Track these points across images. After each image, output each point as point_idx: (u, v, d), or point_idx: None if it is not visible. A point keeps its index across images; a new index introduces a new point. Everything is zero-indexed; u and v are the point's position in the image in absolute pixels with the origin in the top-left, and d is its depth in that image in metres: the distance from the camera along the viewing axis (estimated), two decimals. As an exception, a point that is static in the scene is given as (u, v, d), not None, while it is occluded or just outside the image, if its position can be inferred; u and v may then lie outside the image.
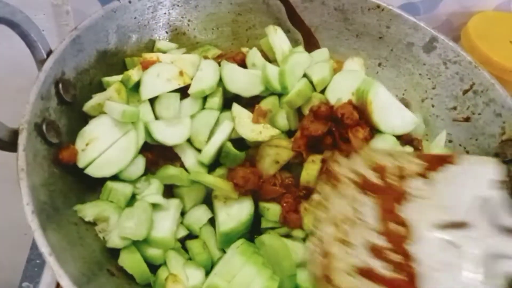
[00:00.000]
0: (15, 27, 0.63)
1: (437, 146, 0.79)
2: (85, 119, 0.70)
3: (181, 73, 0.72)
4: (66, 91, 0.67)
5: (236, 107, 0.73)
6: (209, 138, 0.70)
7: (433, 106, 0.87)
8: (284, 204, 0.69)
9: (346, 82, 0.77)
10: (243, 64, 0.80)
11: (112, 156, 0.64)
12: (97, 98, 0.71)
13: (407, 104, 0.84)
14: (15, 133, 0.58)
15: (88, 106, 0.70)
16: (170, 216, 0.64)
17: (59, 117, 0.65)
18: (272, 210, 0.68)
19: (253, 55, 0.80)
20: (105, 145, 0.64)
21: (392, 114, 0.73)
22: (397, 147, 0.71)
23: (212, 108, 0.72)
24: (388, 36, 0.90)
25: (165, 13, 0.85)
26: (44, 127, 0.61)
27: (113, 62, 0.78)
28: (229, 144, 0.68)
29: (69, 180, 0.64)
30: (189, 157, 0.69)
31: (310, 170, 0.70)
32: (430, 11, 1.16)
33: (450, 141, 0.84)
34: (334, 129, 0.71)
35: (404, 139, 0.75)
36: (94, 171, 0.63)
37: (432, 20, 1.16)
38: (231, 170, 0.68)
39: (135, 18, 0.81)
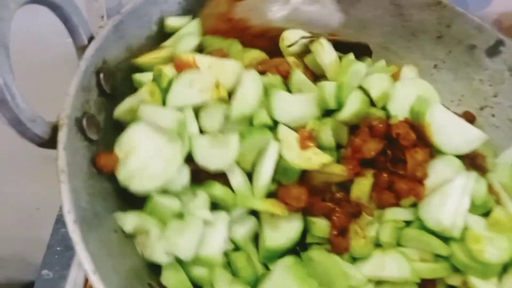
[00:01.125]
0: (56, 9, 0.57)
1: (505, 164, 0.72)
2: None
3: (217, 85, 0.63)
4: (106, 82, 0.61)
5: (283, 128, 0.65)
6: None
7: (493, 115, 0.81)
8: (335, 218, 0.63)
9: (409, 92, 0.70)
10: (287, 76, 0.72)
11: (155, 167, 0.56)
12: (128, 101, 0.63)
13: (470, 119, 0.77)
14: (53, 129, 0.52)
15: (119, 112, 0.63)
16: (218, 232, 0.58)
17: (99, 110, 0.59)
18: (319, 225, 0.63)
19: (298, 80, 0.71)
20: (146, 156, 0.57)
21: (454, 133, 0.67)
22: (462, 171, 0.65)
23: (262, 126, 0.64)
24: (448, 36, 0.83)
25: (209, -2, 0.79)
26: (84, 122, 0.55)
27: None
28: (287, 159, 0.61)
29: (109, 181, 0.58)
30: (235, 176, 0.61)
31: (362, 185, 0.65)
32: (480, 9, 1.08)
33: (511, 155, 0.77)
34: (388, 149, 0.65)
35: (468, 157, 0.68)
36: (135, 186, 0.56)
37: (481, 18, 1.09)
38: (282, 187, 0.61)
39: (179, 3, 0.74)
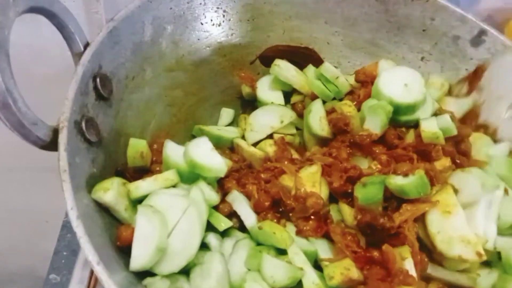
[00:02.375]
0: (52, 18, 0.59)
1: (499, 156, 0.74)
2: (122, 116, 0.67)
3: None
4: (103, 86, 0.63)
5: None
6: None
7: (480, 103, 0.83)
8: None
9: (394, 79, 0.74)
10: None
11: (175, 246, 0.54)
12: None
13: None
14: (54, 132, 0.55)
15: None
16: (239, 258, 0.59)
17: (97, 113, 0.62)
18: None
19: None
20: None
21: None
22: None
23: None
24: (432, 29, 0.85)
25: (200, 3, 0.81)
26: (83, 124, 0.58)
27: (149, 55, 0.74)
28: None
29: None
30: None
31: None
32: (471, 6, 1.11)
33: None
34: None
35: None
36: (161, 269, 0.54)
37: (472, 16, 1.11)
38: None
39: (171, 8, 0.77)
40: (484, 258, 0.60)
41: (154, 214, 0.53)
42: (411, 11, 0.86)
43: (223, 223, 0.60)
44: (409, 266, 0.58)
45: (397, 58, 0.90)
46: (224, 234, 0.61)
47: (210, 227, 0.60)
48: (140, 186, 0.57)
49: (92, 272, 0.73)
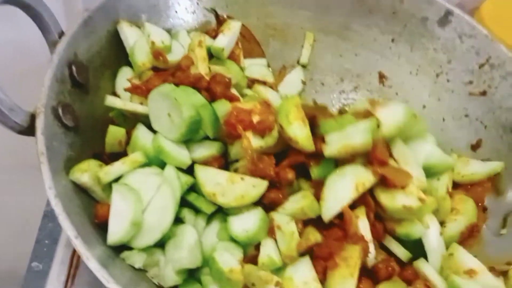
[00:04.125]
0: (26, 9, 0.61)
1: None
2: (99, 102, 0.69)
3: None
4: (79, 74, 0.65)
5: None
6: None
7: (448, 81, 0.86)
8: None
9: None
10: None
11: (150, 221, 0.57)
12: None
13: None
14: (32, 117, 0.57)
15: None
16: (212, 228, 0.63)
17: (74, 100, 0.64)
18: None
19: None
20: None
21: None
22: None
23: None
24: (402, 11, 0.88)
25: (174, -9, 0.83)
26: (60, 110, 0.60)
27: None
28: None
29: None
30: None
31: None
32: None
33: (466, 116, 0.83)
34: None
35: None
36: (137, 243, 0.57)
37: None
38: None
39: (145, -4, 0.79)
40: (427, 201, 0.63)
41: (129, 191, 0.56)
42: (381, -6, 0.89)
43: (209, 206, 0.62)
44: (363, 226, 0.62)
45: (369, 40, 0.93)
46: (198, 210, 0.63)
47: (185, 203, 0.62)
48: (109, 172, 0.59)
49: (72, 261, 0.75)
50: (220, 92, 0.67)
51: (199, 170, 0.62)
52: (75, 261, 0.74)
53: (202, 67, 0.72)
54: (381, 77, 0.94)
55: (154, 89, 0.63)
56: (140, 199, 0.56)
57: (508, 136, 0.76)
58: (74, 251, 0.76)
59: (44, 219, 0.84)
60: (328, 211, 0.62)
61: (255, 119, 0.65)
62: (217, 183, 0.61)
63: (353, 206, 0.63)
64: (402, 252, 0.67)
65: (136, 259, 0.56)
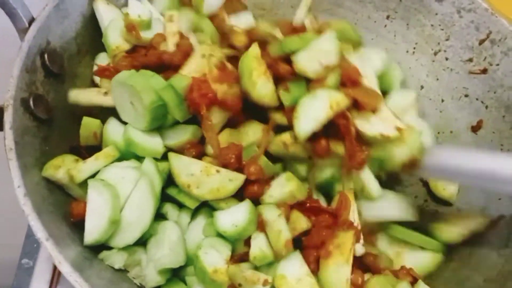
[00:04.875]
0: (-11, -6, 0.57)
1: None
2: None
3: None
4: (52, 62, 0.61)
5: None
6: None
7: (446, 59, 0.82)
8: None
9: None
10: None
11: (129, 219, 0.54)
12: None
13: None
14: (0, 111, 0.53)
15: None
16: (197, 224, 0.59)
17: (47, 90, 0.60)
18: None
19: None
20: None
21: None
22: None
23: None
24: (397, -14, 0.84)
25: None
26: (31, 102, 0.56)
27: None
28: None
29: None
30: None
31: None
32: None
33: (466, 96, 0.79)
34: None
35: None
36: (117, 242, 0.54)
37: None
38: None
39: (121, -20, 0.74)
40: (404, 130, 0.62)
41: (105, 187, 0.52)
42: (374, -31, 0.84)
43: (193, 201, 0.59)
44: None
45: (363, 18, 0.89)
46: (182, 205, 0.60)
47: (167, 198, 0.59)
48: (82, 169, 0.56)
49: None
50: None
51: (173, 158, 0.58)
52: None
53: (171, 43, 0.66)
54: (377, 57, 0.90)
55: (114, 77, 0.59)
56: (118, 195, 0.53)
57: (511, 116, 0.72)
58: None
59: None
60: (304, 128, 0.58)
61: (218, 89, 0.61)
62: (191, 174, 0.57)
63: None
64: (374, 185, 0.65)
65: (116, 259, 0.53)
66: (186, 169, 0.57)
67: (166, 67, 0.63)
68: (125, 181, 0.54)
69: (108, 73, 0.64)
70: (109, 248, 0.54)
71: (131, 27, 0.66)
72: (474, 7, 0.77)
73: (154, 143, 0.59)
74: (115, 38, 0.67)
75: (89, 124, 0.62)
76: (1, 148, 1.10)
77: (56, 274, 0.72)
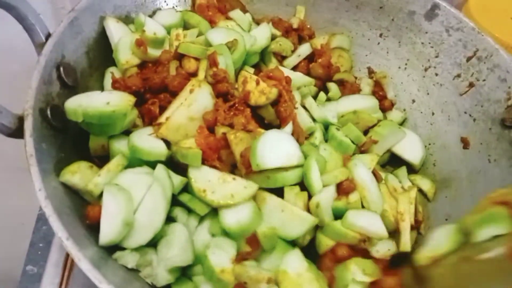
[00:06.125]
0: (11, 10, 0.61)
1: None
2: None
3: None
4: (67, 75, 0.65)
5: None
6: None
7: (436, 74, 0.87)
8: None
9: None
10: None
11: (141, 221, 0.57)
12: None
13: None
14: (20, 119, 0.57)
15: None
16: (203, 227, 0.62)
17: (62, 101, 0.63)
18: None
19: None
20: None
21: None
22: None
23: None
24: (389, 6, 0.89)
25: (160, -9, 0.83)
26: (48, 112, 0.60)
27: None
28: None
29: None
30: None
31: None
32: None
33: (455, 109, 0.83)
34: None
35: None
36: (129, 243, 0.57)
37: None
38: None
39: (132, -4, 0.79)
40: None
41: (119, 192, 0.55)
42: (368, -11, 0.89)
43: (203, 208, 0.61)
44: None
45: (358, 36, 0.94)
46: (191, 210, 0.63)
47: (177, 203, 0.62)
48: (98, 183, 0.59)
49: (66, 263, 0.75)
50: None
51: (192, 168, 0.62)
52: (69, 263, 0.74)
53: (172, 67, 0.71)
54: (370, 72, 0.95)
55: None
56: (131, 198, 0.56)
57: (497, 128, 0.77)
58: (68, 254, 0.76)
59: (38, 222, 0.84)
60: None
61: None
62: (208, 180, 0.61)
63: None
64: None
65: (129, 259, 0.56)
66: (204, 176, 0.61)
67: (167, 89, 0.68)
68: (138, 186, 0.57)
69: (118, 85, 0.68)
70: (123, 248, 0.57)
71: (140, 43, 0.71)
72: (461, 26, 0.82)
73: (158, 147, 0.63)
74: (125, 53, 0.72)
75: (96, 139, 0.65)
76: (5, 159, 1.13)
77: (64, 280, 0.74)
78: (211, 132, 0.65)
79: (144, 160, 0.62)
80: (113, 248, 0.56)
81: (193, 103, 0.65)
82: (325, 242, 0.64)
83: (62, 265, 0.73)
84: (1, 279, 1.47)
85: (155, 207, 0.57)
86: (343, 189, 0.67)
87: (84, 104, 0.60)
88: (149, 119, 0.66)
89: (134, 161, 0.63)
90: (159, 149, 0.62)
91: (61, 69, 0.64)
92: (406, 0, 0.87)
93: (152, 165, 0.62)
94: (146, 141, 0.62)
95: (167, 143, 0.64)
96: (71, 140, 0.63)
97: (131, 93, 0.65)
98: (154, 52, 0.73)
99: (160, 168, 0.60)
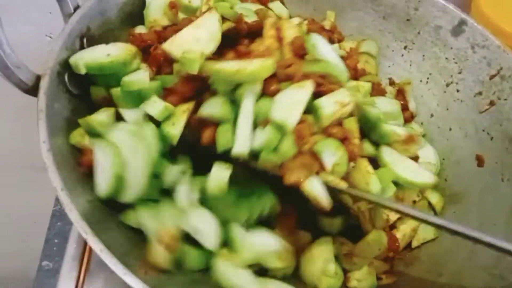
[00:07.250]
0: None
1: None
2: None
3: None
4: (90, 47, 0.68)
5: None
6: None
7: (458, 91, 0.85)
8: None
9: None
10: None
11: (129, 176, 0.59)
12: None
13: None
14: (37, 78, 0.59)
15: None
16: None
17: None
18: None
19: None
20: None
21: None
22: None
23: None
24: (416, 19, 0.89)
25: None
26: (66, 76, 0.62)
27: (138, 24, 0.79)
28: None
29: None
30: None
31: None
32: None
33: (473, 126, 0.82)
34: None
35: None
36: (123, 198, 0.59)
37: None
38: None
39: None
40: None
41: (107, 147, 0.58)
42: (396, 1, 0.89)
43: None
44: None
45: (382, 46, 0.94)
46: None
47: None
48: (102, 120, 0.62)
49: (83, 257, 0.77)
50: None
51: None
52: (86, 257, 0.75)
53: None
54: (391, 83, 0.94)
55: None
56: (119, 153, 0.58)
57: (514, 147, 0.75)
58: (85, 248, 0.78)
59: (52, 219, 0.86)
60: None
61: None
62: None
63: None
64: None
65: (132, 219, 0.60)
66: None
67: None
68: (125, 143, 0.59)
69: (133, 39, 0.71)
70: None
71: (173, 5, 0.73)
72: (487, 43, 0.81)
73: (141, 77, 0.64)
74: (156, 12, 0.75)
75: (97, 89, 0.67)
76: (19, 158, 1.14)
77: (82, 273, 0.76)
78: None
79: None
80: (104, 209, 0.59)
81: (201, 26, 0.66)
82: None
83: (79, 259, 0.75)
84: (16, 276, 1.51)
85: (140, 165, 0.59)
86: None
87: (85, 57, 0.63)
88: (157, 68, 0.68)
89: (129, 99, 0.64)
90: (143, 78, 0.64)
91: (85, 40, 0.67)
92: (434, 14, 0.86)
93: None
94: (135, 74, 0.64)
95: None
96: (85, 107, 0.65)
97: (145, 47, 0.68)
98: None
99: (149, 127, 0.62)
